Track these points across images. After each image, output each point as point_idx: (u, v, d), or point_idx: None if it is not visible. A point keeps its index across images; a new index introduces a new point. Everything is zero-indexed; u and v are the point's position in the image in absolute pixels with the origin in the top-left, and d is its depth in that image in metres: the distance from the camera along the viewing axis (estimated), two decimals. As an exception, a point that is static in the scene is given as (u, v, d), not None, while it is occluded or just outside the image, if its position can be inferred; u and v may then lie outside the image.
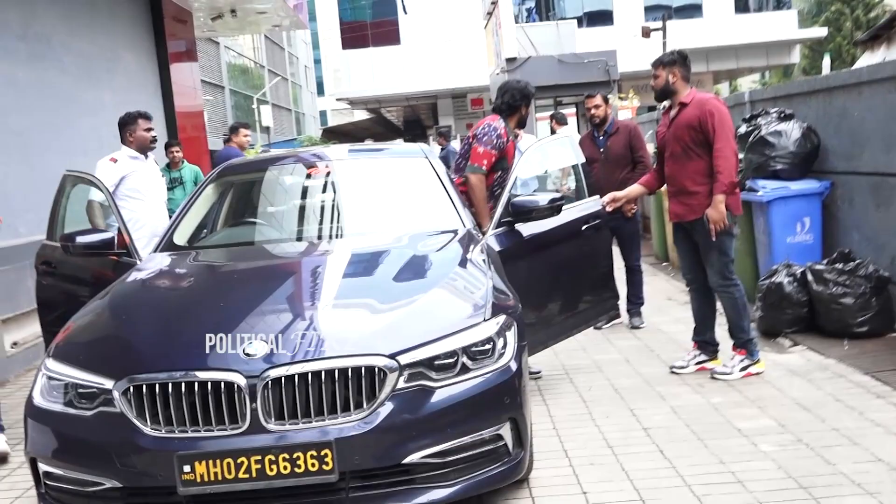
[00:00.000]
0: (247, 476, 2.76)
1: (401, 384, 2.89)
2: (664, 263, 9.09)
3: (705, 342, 5.03)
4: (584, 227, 4.80)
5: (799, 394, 4.39)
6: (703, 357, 5.00)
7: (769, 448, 3.69)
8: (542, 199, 4.28)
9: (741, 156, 6.65)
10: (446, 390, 2.95)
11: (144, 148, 5.51)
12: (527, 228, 4.46)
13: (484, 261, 3.69)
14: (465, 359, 3.02)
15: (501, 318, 3.19)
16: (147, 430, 2.82)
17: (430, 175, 4.64)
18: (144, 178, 5.45)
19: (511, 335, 3.19)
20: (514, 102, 4.98)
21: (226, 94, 44.94)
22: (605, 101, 6.67)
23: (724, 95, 7.65)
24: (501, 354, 3.10)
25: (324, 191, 4.78)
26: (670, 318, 6.44)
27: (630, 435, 3.99)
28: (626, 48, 20.00)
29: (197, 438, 2.79)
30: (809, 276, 5.46)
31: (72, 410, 2.96)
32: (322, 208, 4.62)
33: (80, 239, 4.18)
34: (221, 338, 2.97)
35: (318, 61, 76.33)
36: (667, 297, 7.31)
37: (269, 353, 2.87)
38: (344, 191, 4.70)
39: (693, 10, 32.29)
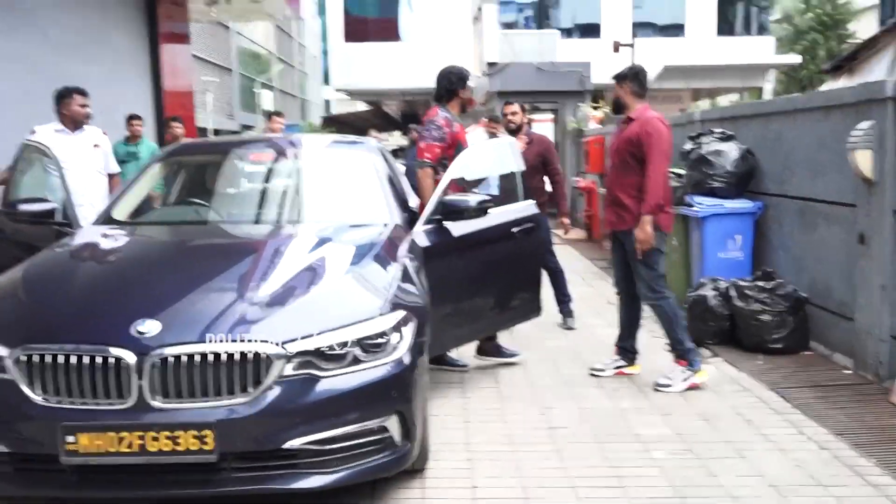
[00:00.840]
0: (128, 450, 2.68)
1: (288, 371, 2.80)
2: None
3: (625, 349, 4.95)
4: (515, 230, 4.71)
5: (703, 405, 4.32)
6: (622, 362, 4.92)
7: (660, 455, 3.62)
8: (472, 199, 4.20)
9: (683, 172, 6.62)
10: (334, 380, 2.86)
11: (79, 122, 5.55)
12: (457, 227, 4.35)
13: (398, 256, 3.61)
14: (357, 350, 2.93)
15: (400, 314, 3.11)
16: (37, 398, 2.73)
17: (368, 167, 4.56)
18: (66, 151, 5.23)
19: (408, 330, 3.11)
20: (450, 87, 4.80)
21: (234, 77, 44.67)
22: (523, 109, 6.60)
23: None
24: (395, 349, 3.02)
25: (261, 178, 4.68)
26: (605, 322, 6.36)
27: (533, 433, 3.92)
28: (609, 61, 19.92)
29: (83, 410, 2.71)
30: (732, 292, 5.40)
31: (-31, 375, 2.86)
32: (256, 195, 4.52)
33: (23, 207, 4.08)
34: (117, 314, 2.89)
35: (326, 52, 75.73)
36: (607, 300, 7.22)
37: (159, 332, 2.77)
38: (280, 179, 4.61)
39: (677, 30, 32.24)
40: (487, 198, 4.33)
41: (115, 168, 5.91)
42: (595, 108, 14.13)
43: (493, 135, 6.62)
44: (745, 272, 5.99)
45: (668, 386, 4.57)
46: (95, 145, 5.61)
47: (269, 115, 9.41)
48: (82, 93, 5.52)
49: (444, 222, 4.29)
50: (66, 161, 5.29)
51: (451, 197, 4.27)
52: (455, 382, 4.77)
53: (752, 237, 6.16)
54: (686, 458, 3.59)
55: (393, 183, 4.61)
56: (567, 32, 32.52)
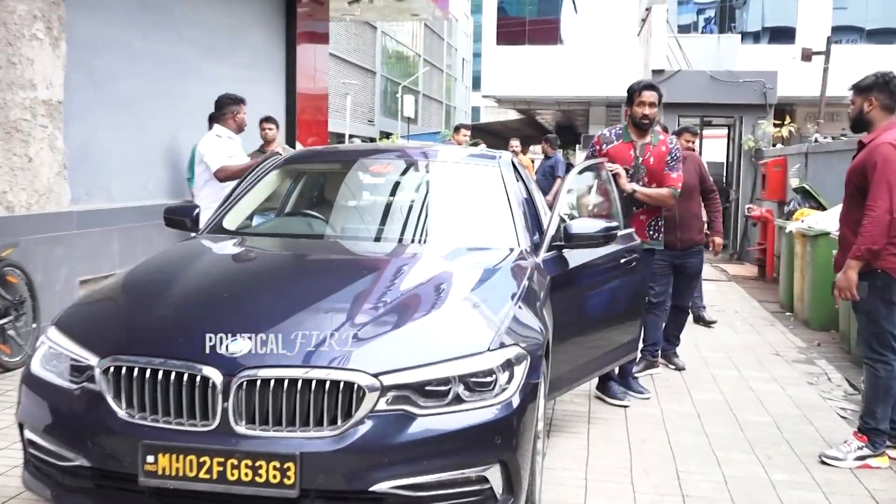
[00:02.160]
0: (207, 476, 2.77)
1: (381, 406, 2.83)
2: (787, 314, 8.56)
3: (874, 430, 4.32)
4: (622, 260, 4.83)
5: (877, 485, 4.01)
6: (867, 451, 4.29)
7: (816, 542, 3.38)
8: (597, 225, 4.20)
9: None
10: (431, 419, 2.86)
11: (242, 129, 6.43)
12: (572, 256, 4.37)
13: (519, 285, 3.58)
14: (460, 388, 2.92)
15: (512, 351, 3.07)
16: (121, 412, 2.89)
17: (497, 187, 4.55)
18: (237, 158, 6.28)
19: (520, 369, 3.06)
20: (626, 105, 5.34)
21: (376, 80, 46.33)
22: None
23: None
24: (504, 389, 2.98)
25: (382, 192, 4.80)
26: (767, 376, 6.03)
27: (663, 501, 3.76)
28: (799, 70, 19.03)
29: (165, 429, 2.83)
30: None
31: (61, 382, 3.07)
32: (373, 210, 4.63)
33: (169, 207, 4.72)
34: (209, 330, 3.01)
35: (477, 55, 77.35)
36: (775, 351, 6.86)
37: (249, 352, 2.88)
38: (402, 195, 4.70)
39: (890, 35, 30.36)
40: (614, 224, 4.32)
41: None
42: (777, 125, 13.52)
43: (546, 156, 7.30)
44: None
45: (840, 459, 4.26)
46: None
47: (456, 128, 11.12)
48: (245, 102, 6.56)
49: (563, 250, 4.28)
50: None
51: (578, 223, 4.26)
52: (578, 432, 4.66)
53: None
54: (848, 549, 3.33)
55: (526, 203, 4.60)
56: (755, 37, 31.50)
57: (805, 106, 25.35)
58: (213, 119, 6.87)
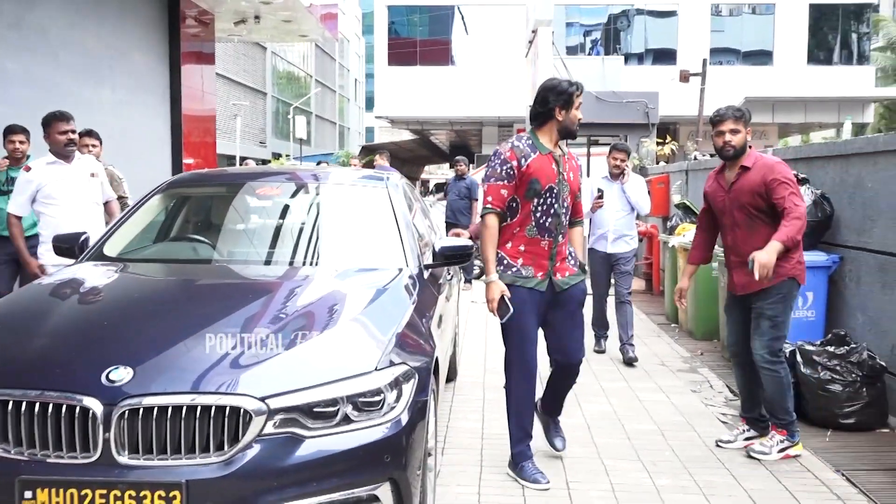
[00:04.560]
0: (91, 510, 2.73)
1: (269, 429, 2.84)
2: (673, 325, 8.92)
3: (755, 419, 4.86)
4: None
5: (754, 485, 4.24)
6: (752, 433, 4.85)
7: (696, 542, 3.55)
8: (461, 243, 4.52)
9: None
10: (320, 441, 2.88)
11: (59, 151, 5.60)
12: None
13: (407, 304, 3.66)
14: (349, 408, 2.96)
15: (400, 369, 3.13)
16: (-5, 448, 2.81)
17: (385, 208, 4.63)
18: (58, 185, 5.54)
19: (408, 388, 3.13)
20: (543, 108, 4.23)
21: (267, 101, 45.88)
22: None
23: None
24: (392, 408, 3.04)
25: (268, 215, 4.80)
26: (654, 386, 6.28)
27: (554, 510, 3.88)
28: (679, 91, 19.92)
29: (43, 463, 2.77)
30: (798, 357, 5.29)
31: (-72, 419, 2.96)
32: (259, 233, 4.63)
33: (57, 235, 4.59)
34: (89, 359, 2.97)
35: (370, 75, 77.64)
36: (661, 361, 7.15)
37: (130, 380, 2.84)
38: (291, 218, 4.73)
39: (763, 57, 32.15)
40: (470, 243, 4.54)
41: (112, 195, 6.07)
42: (661, 143, 14.10)
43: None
44: (817, 334, 5.90)
45: (766, 454, 4.61)
46: (92, 174, 5.75)
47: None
48: (63, 118, 5.62)
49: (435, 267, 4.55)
50: (63, 193, 5.50)
51: (444, 241, 4.62)
52: (470, 447, 4.76)
53: (825, 295, 6.07)
54: (726, 547, 3.52)
55: (414, 224, 4.68)
56: (639, 58, 32.75)
57: (687, 124, 26.52)
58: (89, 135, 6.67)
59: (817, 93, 30.43)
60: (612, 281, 7.38)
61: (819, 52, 32.57)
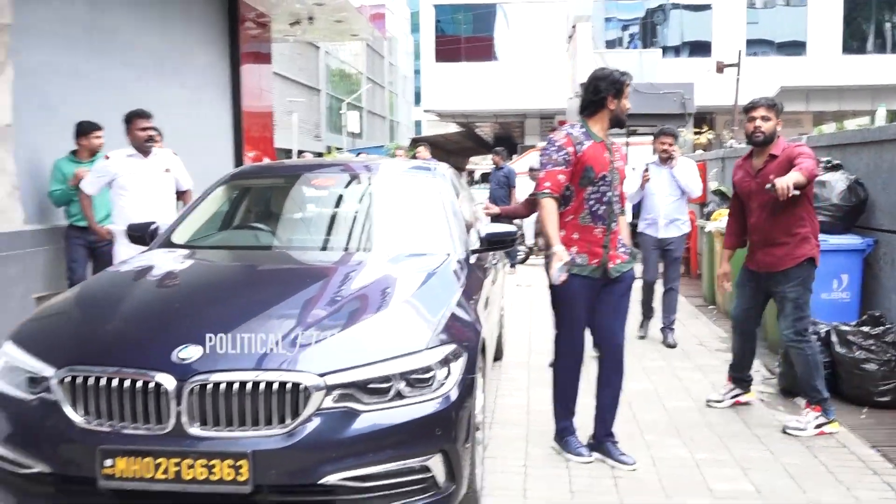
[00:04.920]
0: (164, 477, 2.80)
1: (327, 404, 2.88)
2: (710, 307, 8.80)
3: (742, 378, 5.13)
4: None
5: (791, 460, 4.18)
6: (738, 391, 5.13)
7: (734, 514, 3.52)
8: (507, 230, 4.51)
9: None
10: (374, 415, 2.92)
11: (139, 146, 5.77)
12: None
13: (455, 287, 3.67)
14: (402, 385, 2.99)
15: (449, 348, 3.15)
16: (78, 419, 2.89)
17: (432, 195, 4.65)
18: (137, 176, 5.72)
19: (457, 366, 3.14)
20: (595, 97, 4.10)
21: (321, 97, 46.19)
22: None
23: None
24: (442, 384, 3.06)
25: (324, 204, 4.84)
26: (692, 365, 6.22)
27: (597, 483, 3.87)
28: (715, 82, 19.58)
29: (121, 434, 2.85)
30: (833, 337, 5.19)
31: (18, 393, 3.06)
32: (316, 221, 4.68)
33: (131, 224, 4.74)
34: (161, 338, 3.04)
35: (417, 72, 77.65)
36: (699, 341, 7.07)
37: (200, 358, 2.91)
38: (345, 206, 4.76)
39: (797, 48, 31.41)
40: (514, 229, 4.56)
41: (189, 185, 6.18)
42: (698, 132, 13.89)
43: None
44: (852, 316, 5.78)
45: (802, 430, 4.57)
46: (167, 169, 5.88)
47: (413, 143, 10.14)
48: (143, 115, 5.80)
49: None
50: (137, 185, 5.64)
51: (490, 227, 4.56)
52: (517, 423, 4.76)
53: (860, 277, 5.94)
54: (764, 518, 3.48)
55: (460, 211, 4.69)
56: (675, 51, 32.27)
57: (723, 114, 26.05)
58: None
59: (851, 81, 29.69)
60: (661, 267, 7.22)
61: (853, 42, 31.75)
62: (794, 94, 26.78)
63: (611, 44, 32.19)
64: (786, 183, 4.22)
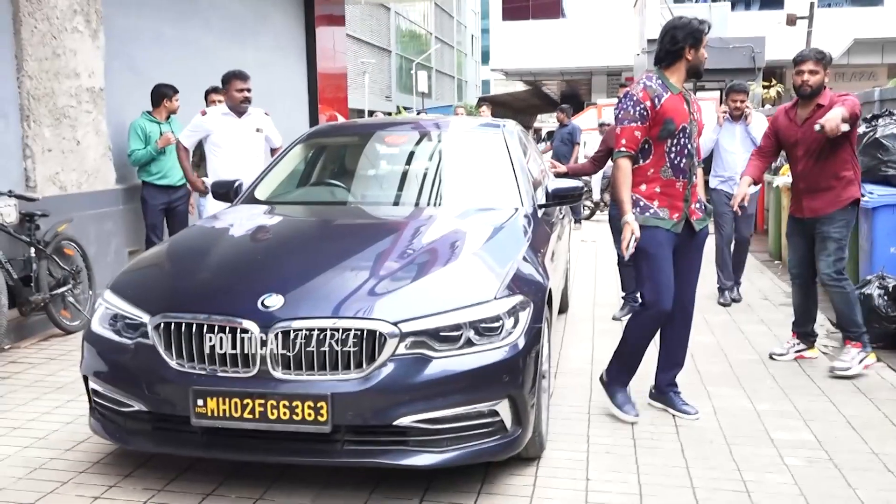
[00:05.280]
0: (251, 416, 2.94)
1: (401, 350, 2.96)
2: (776, 262, 8.62)
3: (806, 333, 5.08)
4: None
5: (854, 412, 4.12)
6: (802, 346, 5.08)
7: (795, 462, 3.50)
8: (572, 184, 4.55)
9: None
10: (446, 361, 2.99)
11: (235, 107, 5.81)
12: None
13: (523, 240, 3.71)
14: (471, 333, 3.05)
15: (517, 299, 3.20)
16: (172, 363, 3.05)
17: (501, 151, 4.66)
18: (230, 134, 5.77)
19: (524, 316, 3.19)
20: (673, 47, 3.86)
21: (391, 58, 46.10)
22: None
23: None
24: (510, 333, 3.11)
25: (397, 161, 4.90)
26: (756, 318, 6.14)
27: (658, 430, 3.89)
28: (786, 35, 18.79)
29: (212, 376, 2.99)
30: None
31: (118, 338, 3.24)
32: (389, 178, 4.75)
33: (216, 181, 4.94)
34: (247, 288, 3.16)
35: (485, 31, 76.50)
36: (763, 296, 6.95)
37: (283, 306, 3.02)
38: (414, 162, 4.81)
39: (872, -1, 29.83)
40: (580, 184, 4.52)
41: (280, 142, 6.19)
42: (766, 86, 13.44)
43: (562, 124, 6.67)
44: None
45: (848, 369, 4.65)
46: (258, 129, 5.94)
47: (478, 103, 10.15)
48: (241, 77, 5.82)
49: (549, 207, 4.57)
50: (230, 143, 5.76)
51: (556, 182, 4.56)
52: (581, 372, 4.80)
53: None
54: (826, 468, 3.45)
55: (528, 167, 4.70)
56: (745, 4, 31.06)
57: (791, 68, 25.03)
58: (217, 91, 6.82)
59: (930, 32, 28.14)
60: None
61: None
62: (868, 47, 25.56)
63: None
64: (834, 121, 4.22)
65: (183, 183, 6.61)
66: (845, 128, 4.28)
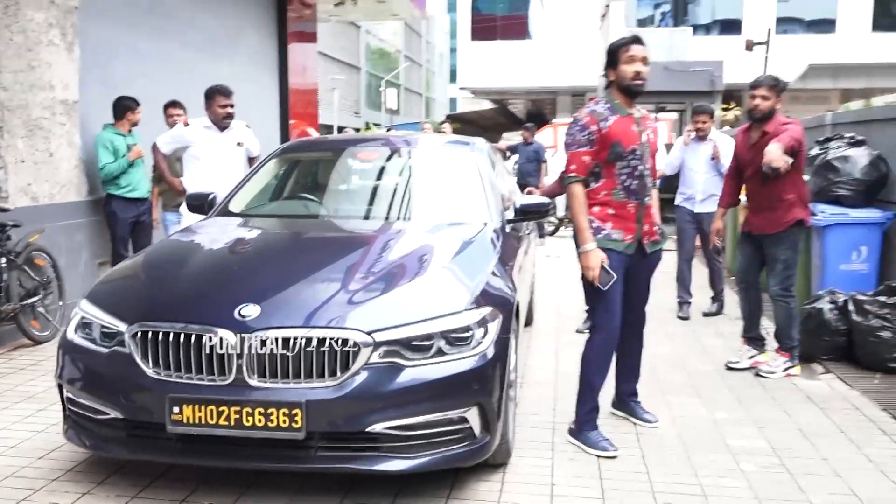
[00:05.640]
0: (226, 423, 2.96)
1: (374, 359, 3.02)
2: (732, 277, 8.79)
3: (755, 338, 5.31)
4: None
5: (805, 420, 4.24)
6: (753, 352, 5.28)
7: (749, 468, 3.61)
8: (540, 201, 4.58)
9: (807, 178, 6.44)
10: (417, 370, 3.05)
11: (217, 122, 5.83)
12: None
13: (491, 254, 3.78)
14: (442, 343, 3.11)
15: (486, 310, 3.27)
16: (148, 371, 3.07)
17: (470, 168, 4.74)
18: (211, 148, 5.79)
19: (493, 326, 3.26)
20: (606, 66, 3.87)
21: (361, 75, 46.19)
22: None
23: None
24: (479, 343, 3.18)
25: (369, 176, 4.96)
26: (714, 331, 6.28)
27: (621, 438, 3.96)
28: (744, 59, 19.25)
29: (188, 384, 3.02)
30: (850, 306, 5.22)
31: (93, 346, 3.25)
32: (361, 192, 4.81)
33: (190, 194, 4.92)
34: (223, 298, 3.20)
35: (454, 50, 76.98)
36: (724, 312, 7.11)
37: (258, 316, 3.06)
38: (385, 177, 4.88)
39: (827, 25, 30.67)
40: (547, 201, 4.57)
41: (258, 151, 6.18)
42: (726, 109, 13.74)
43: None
44: (870, 286, 5.78)
45: (772, 373, 5.04)
46: (239, 143, 5.94)
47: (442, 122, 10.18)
48: (224, 92, 5.84)
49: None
50: (209, 156, 5.76)
51: (524, 198, 4.67)
52: (546, 382, 4.88)
53: (879, 249, 5.94)
54: (779, 473, 3.56)
55: (496, 183, 4.78)
56: (706, 29, 31.72)
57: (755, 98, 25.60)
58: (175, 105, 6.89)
59: (881, 59, 28.97)
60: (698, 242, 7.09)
61: (883, 19, 30.90)
62: (822, 72, 26.29)
63: (642, 22, 31.69)
64: (779, 160, 4.51)
65: (148, 195, 6.61)
66: (789, 160, 4.58)
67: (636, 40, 3.86)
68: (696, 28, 30.19)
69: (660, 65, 14.12)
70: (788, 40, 28.81)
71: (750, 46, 18.14)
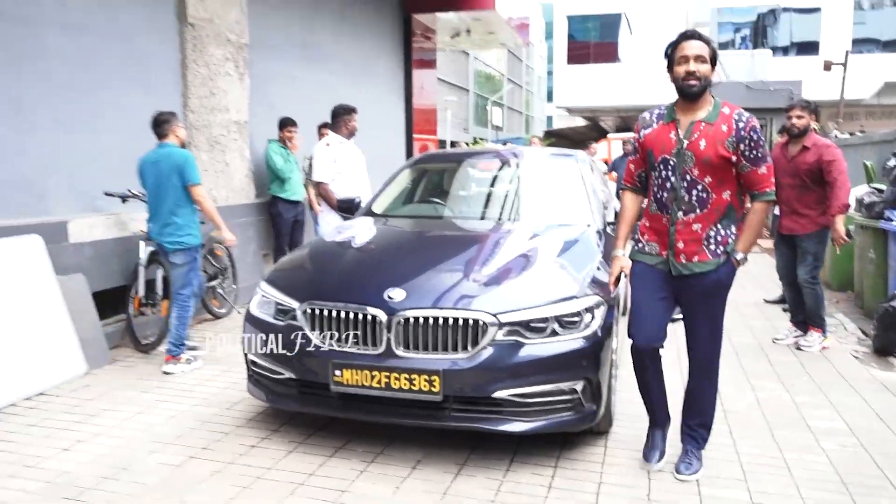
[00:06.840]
0: (378, 385, 3.16)
1: (499, 336, 3.14)
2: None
3: (800, 321, 5.43)
4: None
5: (882, 406, 4.09)
6: (798, 333, 5.44)
7: (829, 446, 3.52)
8: None
9: (884, 187, 6.15)
10: (535, 347, 3.16)
11: (352, 135, 6.08)
12: None
13: (596, 252, 3.84)
14: (555, 325, 3.20)
15: (594, 299, 3.34)
16: (316, 340, 3.30)
17: (575, 176, 4.80)
18: (349, 158, 6.00)
19: (599, 313, 3.32)
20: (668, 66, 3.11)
21: (469, 97, 46.42)
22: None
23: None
24: (587, 326, 3.25)
25: (488, 183, 5.08)
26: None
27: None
28: (821, 78, 18.30)
29: (347, 352, 3.23)
30: (924, 304, 4.98)
31: (272, 320, 3.51)
32: (482, 197, 4.93)
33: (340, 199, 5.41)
34: (374, 283, 3.39)
35: (550, 73, 76.05)
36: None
37: (404, 298, 3.23)
38: (502, 184, 4.98)
39: (903, 45, 28.66)
40: None
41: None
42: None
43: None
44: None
45: (810, 347, 5.24)
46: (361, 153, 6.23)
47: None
48: (356, 110, 6.12)
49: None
50: (350, 165, 6.03)
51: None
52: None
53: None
54: (856, 451, 3.46)
55: (598, 190, 4.82)
56: (783, 51, 30.26)
57: (827, 107, 24.31)
58: (326, 126, 6.98)
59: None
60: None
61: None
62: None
63: (724, 45, 30.55)
64: (839, 237, 4.99)
65: (304, 199, 6.98)
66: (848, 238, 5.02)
67: (687, 36, 3.08)
68: (775, 49, 28.89)
69: (742, 84, 13.65)
70: (865, 59, 27.13)
71: (828, 67, 17.25)
